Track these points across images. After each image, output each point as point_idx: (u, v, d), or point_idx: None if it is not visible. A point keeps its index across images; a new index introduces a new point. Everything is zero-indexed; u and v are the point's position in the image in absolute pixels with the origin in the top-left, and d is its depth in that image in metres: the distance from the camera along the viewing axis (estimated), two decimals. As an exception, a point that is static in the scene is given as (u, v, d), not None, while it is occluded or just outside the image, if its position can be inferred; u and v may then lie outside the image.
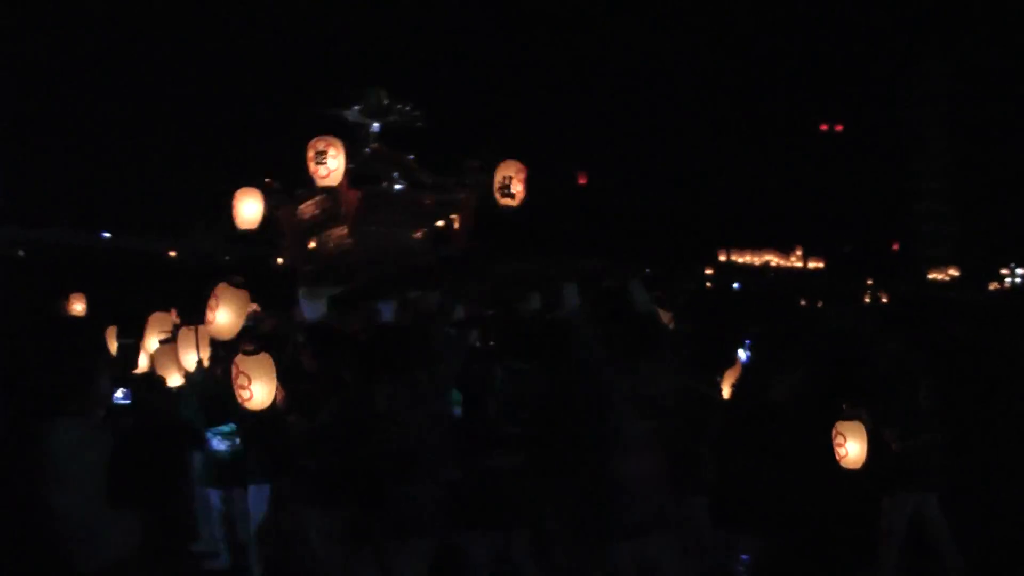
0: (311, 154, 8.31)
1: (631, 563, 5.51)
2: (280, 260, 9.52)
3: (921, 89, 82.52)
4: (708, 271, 63.79)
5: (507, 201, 8.91)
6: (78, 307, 11.17)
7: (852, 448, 7.16)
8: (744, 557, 7.77)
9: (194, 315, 7.72)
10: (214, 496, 8.14)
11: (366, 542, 6.07)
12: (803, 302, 38.89)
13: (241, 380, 6.50)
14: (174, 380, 8.03)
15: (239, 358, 6.58)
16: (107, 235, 43.95)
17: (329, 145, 8.31)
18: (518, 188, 8.92)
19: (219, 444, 8.03)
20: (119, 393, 9.31)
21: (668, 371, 6.02)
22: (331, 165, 8.27)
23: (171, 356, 8.07)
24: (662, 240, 68.70)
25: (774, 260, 65.05)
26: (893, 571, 7.70)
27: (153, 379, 8.31)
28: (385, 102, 9.28)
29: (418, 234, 9.53)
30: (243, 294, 7.15)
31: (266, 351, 6.60)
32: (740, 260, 64.33)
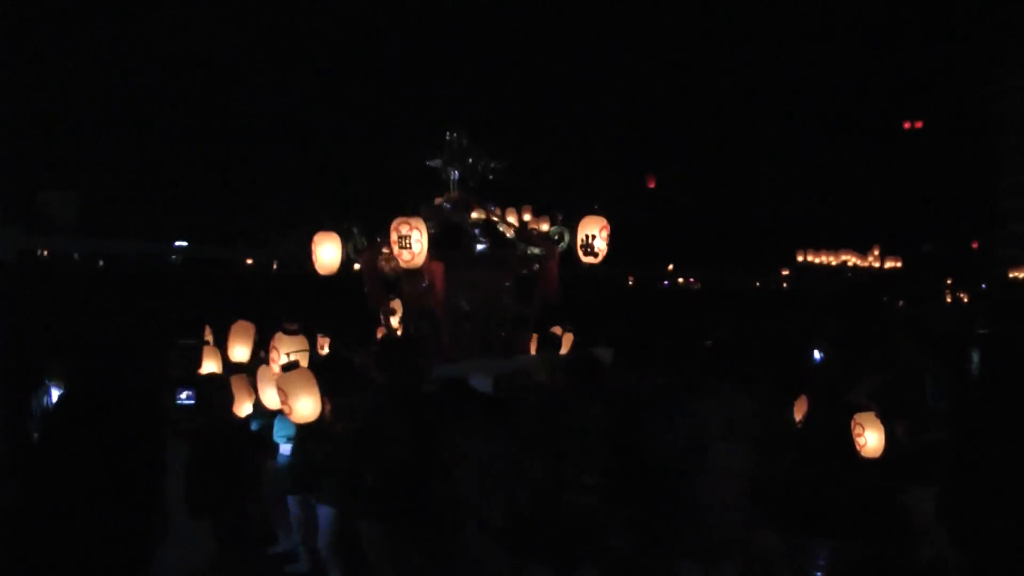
0: (394, 237, 8.25)
1: None
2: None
3: (1002, 85, 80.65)
4: (784, 272, 63.20)
5: (589, 259, 8.81)
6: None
7: (870, 438, 7.37)
8: (820, 563, 7.79)
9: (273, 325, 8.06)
10: (291, 501, 8.15)
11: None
12: (885, 300, 38.37)
13: (281, 396, 6.72)
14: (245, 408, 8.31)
15: (279, 376, 6.91)
16: (183, 244, 44.62)
17: (412, 228, 8.22)
18: (601, 246, 8.79)
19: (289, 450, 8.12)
20: (183, 395, 9.47)
21: (752, 397, 5.98)
22: (415, 248, 8.20)
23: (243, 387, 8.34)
24: (737, 243, 68.34)
25: (851, 260, 64.05)
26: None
27: (216, 379, 8.58)
28: (469, 150, 9.24)
29: (505, 285, 9.42)
30: (300, 339, 7.58)
31: (307, 368, 6.83)
32: (817, 260, 63.41)
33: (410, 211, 8.43)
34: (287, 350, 7.45)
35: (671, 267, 60.81)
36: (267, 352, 8.16)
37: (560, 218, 9.39)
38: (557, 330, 10.30)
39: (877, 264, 64.95)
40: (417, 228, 8.24)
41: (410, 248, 8.18)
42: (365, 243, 9.18)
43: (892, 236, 69.62)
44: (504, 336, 9.25)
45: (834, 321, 14.23)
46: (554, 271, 9.19)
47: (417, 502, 6.20)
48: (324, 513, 7.46)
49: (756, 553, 6.61)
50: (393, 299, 9.69)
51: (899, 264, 65.49)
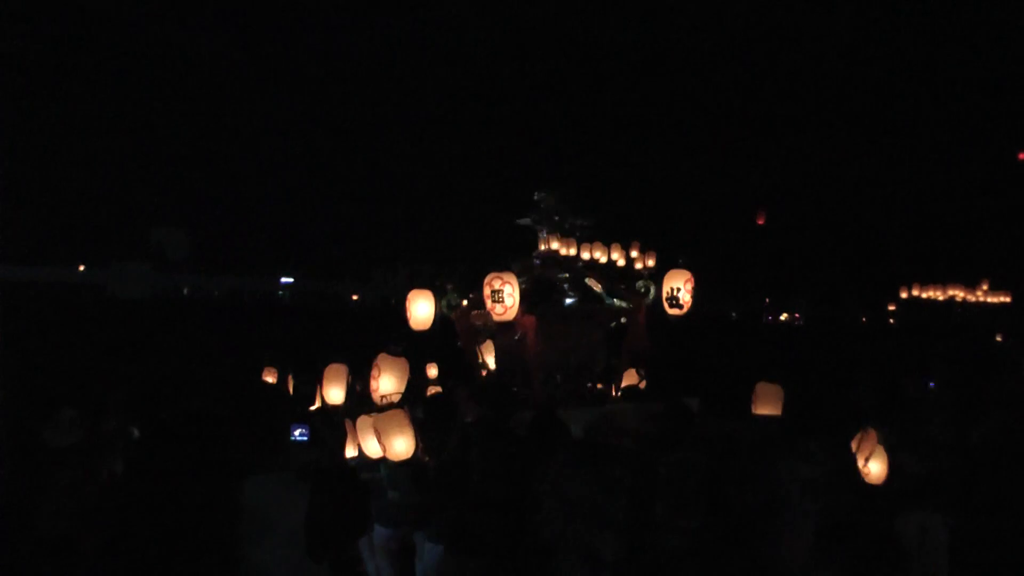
0: (487, 292, 8.54)
1: None
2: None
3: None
4: (891, 307, 62.21)
5: (675, 312, 9.02)
6: (269, 379, 11.36)
7: (874, 466, 7.12)
8: None
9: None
10: (385, 535, 8.32)
11: None
12: (999, 338, 37.32)
13: (376, 435, 6.99)
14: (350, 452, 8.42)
15: (374, 417, 7.09)
16: (289, 280, 45.48)
17: (504, 283, 8.50)
18: (686, 298, 9.02)
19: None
20: (297, 432, 9.73)
21: (830, 451, 6.05)
22: (507, 302, 8.47)
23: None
24: (844, 278, 67.51)
25: (960, 295, 62.77)
26: None
27: (327, 415, 8.76)
28: (557, 206, 9.54)
29: (594, 337, 9.72)
30: (402, 361, 7.66)
31: (399, 408, 7.02)
32: (924, 295, 62.32)
33: (503, 267, 8.69)
34: (389, 372, 7.63)
35: (768, 300, 60.31)
36: (365, 380, 8.35)
37: (647, 273, 9.64)
38: (634, 377, 10.44)
39: (985, 298, 63.57)
40: (509, 283, 8.50)
41: (503, 302, 8.46)
42: (458, 300, 9.53)
43: (1001, 270, 68.24)
44: (593, 387, 9.52)
45: (943, 360, 14.00)
46: (641, 323, 9.44)
47: (514, 536, 6.46)
48: (432, 550, 7.60)
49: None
50: (484, 341, 9.95)
51: (1008, 299, 63.97)
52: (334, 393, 9.39)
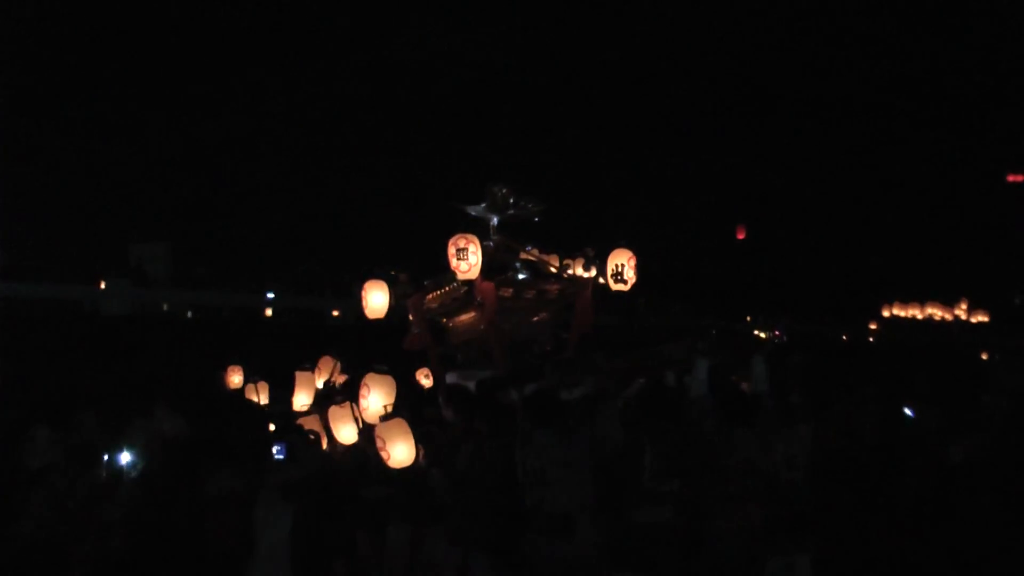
0: (452, 251, 9.05)
1: None
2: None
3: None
4: (872, 326, 62.40)
5: (619, 286, 9.52)
6: (236, 379, 11.46)
7: None
8: None
9: (359, 372, 8.63)
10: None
11: None
12: (984, 356, 37.31)
13: (379, 443, 7.38)
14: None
15: (377, 425, 7.50)
16: (271, 295, 45.43)
17: (469, 242, 9.07)
18: (630, 274, 9.43)
19: None
20: (275, 449, 9.78)
21: (765, 438, 6.95)
22: (471, 260, 9.05)
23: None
24: (824, 295, 67.74)
25: (938, 313, 63.00)
26: None
27: (302, 432, 8.75)
28: (508, 199, 9.81)
29: (542, 316, 9.97)
30: (388, 379, 8.16)
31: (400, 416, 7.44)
32: (903, 314, 62.54)
33: (466, 228, 9.30)
34: (377, 389, 8.09)
35: (749, 319, 60.45)
36: (339, 389, 8.98)
37: (592, 253, 9.92)
38: None
39: (964, 317, 63.82)
40: (473, 243, 9.05)
41: (467, 260, 9.02)
42: (412, 289, 9.91)
43: (980, 289, 68.54)
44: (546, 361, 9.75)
45: (925, 378, 14.09)
46: (589, 300, 9.76)
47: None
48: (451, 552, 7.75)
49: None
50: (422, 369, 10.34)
51: (987, 318, 64.22)
52: (301, 399, 9.79)
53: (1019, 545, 7.52)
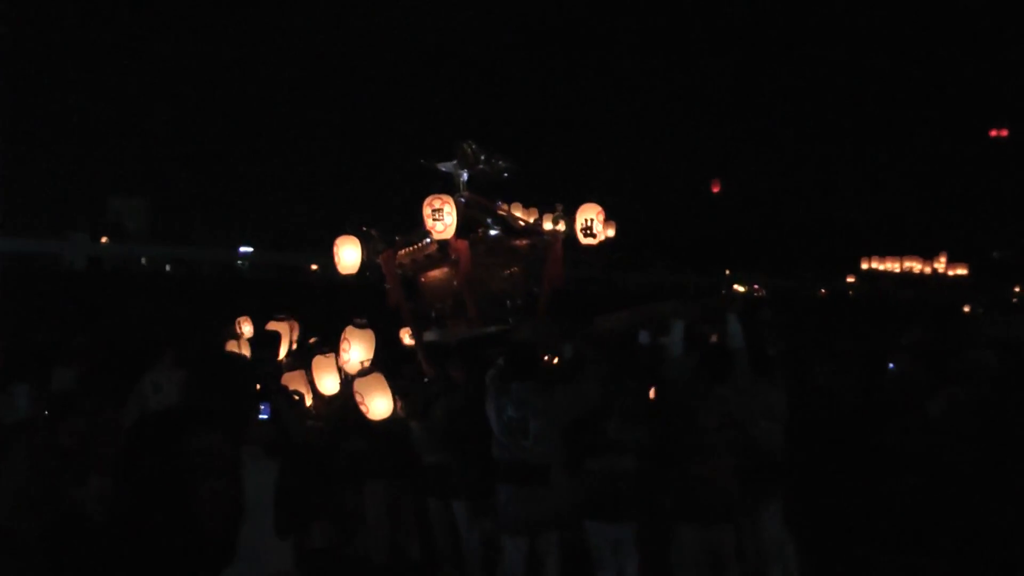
0: (427, 211, 8.96)
1: (696, 544, 6.94)
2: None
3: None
4: (850, 279, 62.74)
5: (589, 241, 9.60)
6: (247, 328, 10.89)
7: None
8: None
9: (335, 331, 8.83)
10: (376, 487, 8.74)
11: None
12: (966, 309, 37.40)
13: (358, 398, 7.66)
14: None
15: (356, 380, 7.77)
16: (248, 250, 45.40)
17: (444, 203, 8.98)
18: (599, 228, 9.50)
19: None
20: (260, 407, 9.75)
21: (743, 392, 7.23)
22: (446, 220, 8.95)
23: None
24: (802, 249, 67.99)
25: (917, 267, 63.26)
26: None
27: (287, 393, 8.89)
28: (479, 155, 9.81)
29: (514, 271, 10.00)
30: (368, 332, 8.47)
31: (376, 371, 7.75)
32: (882, 267, 62.82)
33: (441, 188, 9.27)
34: (357, 343, 8.34)
35: (728, 272, 60.69)
36: (322, 341, 9.06)
37: (561, 208, 9.96)
38: None
39: (943, 270, 64.09)
40: (448, 203, 8.98)
41: (443, 220, 8.94)
42: (384, 245, 9.83)
43: (959, 242, 68.85)
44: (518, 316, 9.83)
45: (911, 331, 14.14)
46: (559, 254, 9.81)
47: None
48: (460, 509, 8.01)
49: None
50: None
51: (966, 271, 64.51)
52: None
53: (998, 495, 7.66)
